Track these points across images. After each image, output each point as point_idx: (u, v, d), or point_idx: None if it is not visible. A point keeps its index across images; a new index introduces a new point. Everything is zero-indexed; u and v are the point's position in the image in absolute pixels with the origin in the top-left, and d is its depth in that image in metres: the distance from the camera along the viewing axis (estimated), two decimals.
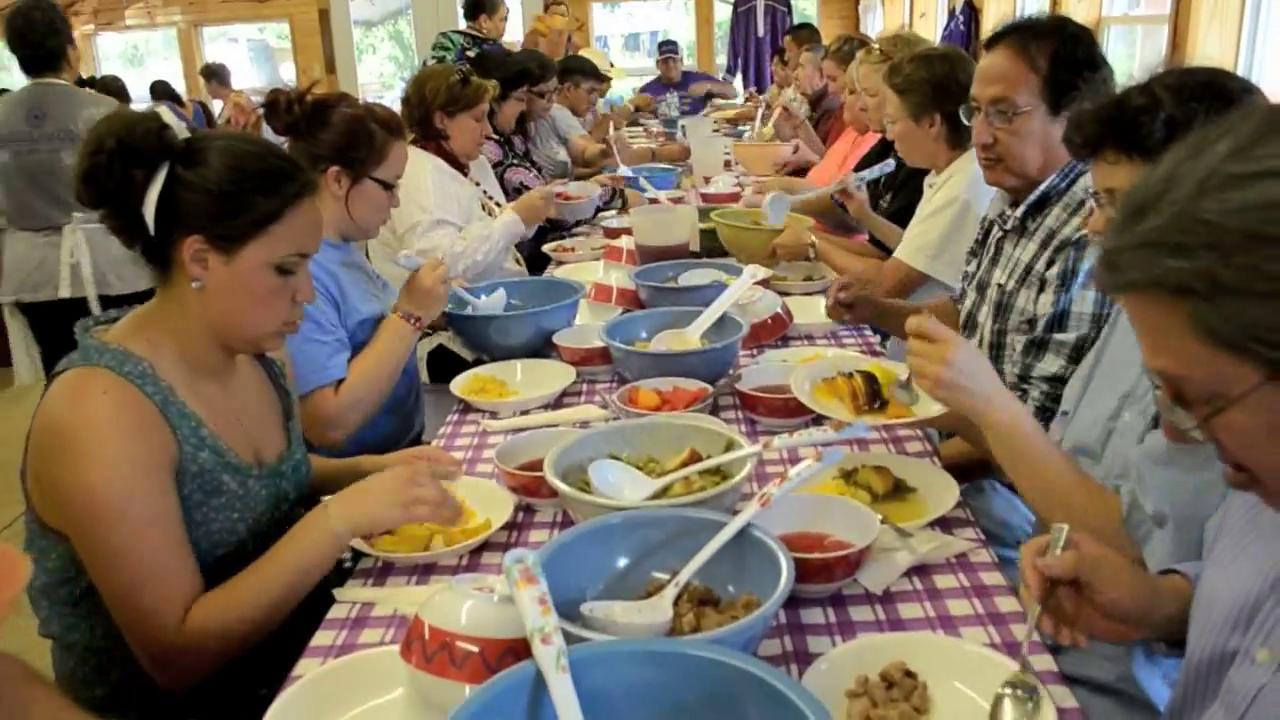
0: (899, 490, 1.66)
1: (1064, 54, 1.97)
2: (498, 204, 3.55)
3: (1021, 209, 2.06)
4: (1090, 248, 1.87)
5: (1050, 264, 1.95)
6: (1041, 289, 1.96)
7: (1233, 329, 0.79)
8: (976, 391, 1.45)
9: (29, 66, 3.65)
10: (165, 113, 1.53)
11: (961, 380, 1.44)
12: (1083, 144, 1.45)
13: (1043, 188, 2.03)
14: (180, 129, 1.52)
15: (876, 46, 3.39)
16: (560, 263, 3.48)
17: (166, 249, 1.49)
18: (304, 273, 1.57)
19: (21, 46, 3.61)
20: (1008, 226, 2.12)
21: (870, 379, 1.76)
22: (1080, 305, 1.89)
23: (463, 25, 6.01)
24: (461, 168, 3.29)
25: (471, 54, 5.85)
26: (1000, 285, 2.09)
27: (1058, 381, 1.85)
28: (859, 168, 3.51)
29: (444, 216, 3.03)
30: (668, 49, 8.31)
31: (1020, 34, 2.01)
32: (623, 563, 1.35)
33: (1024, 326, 2.00)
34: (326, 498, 1.49)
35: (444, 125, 3.20)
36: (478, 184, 3.50)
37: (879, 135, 3.52)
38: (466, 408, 2.20)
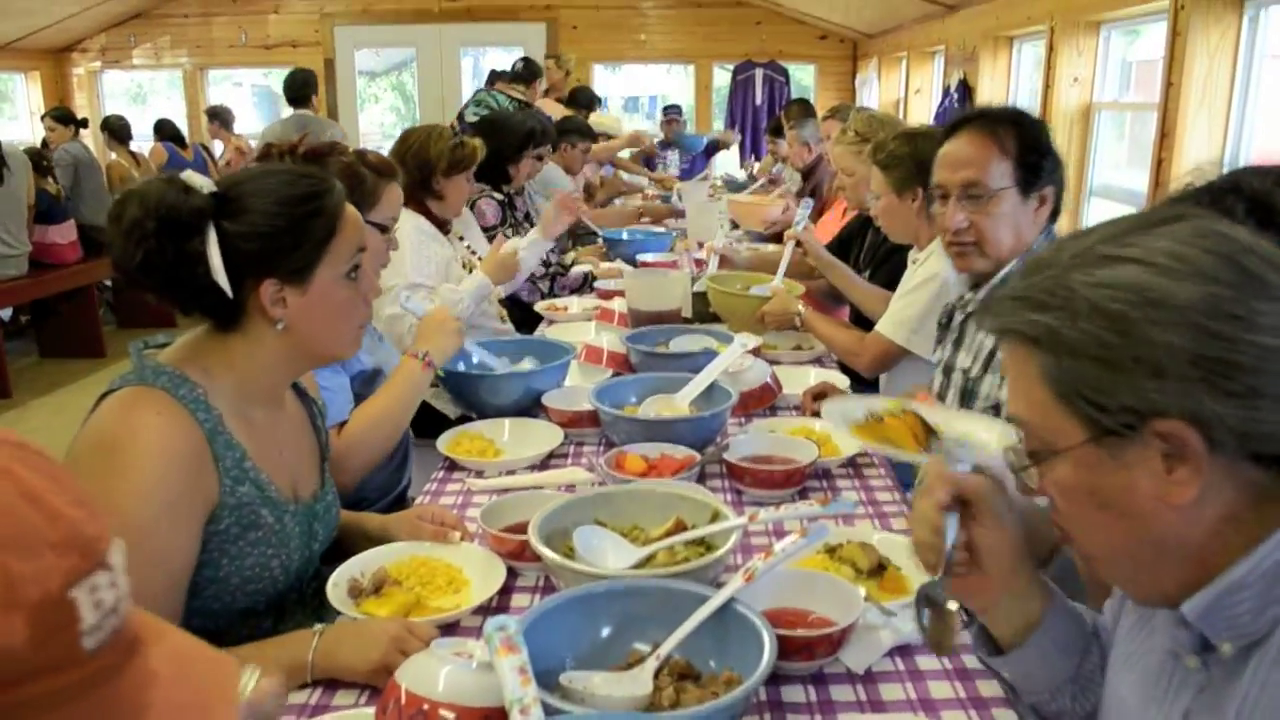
0: (883, 567, 1.65)
1: (1029, 138, 2.02)
2: (480, 259, 3.57)
3: (984, 291, 2.09)
4: None
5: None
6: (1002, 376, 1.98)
7: (1067, 383, 0.90)
8: None
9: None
10: (191, 176, 1.48)
11: None
12: None
13: (1005, 271, 2.06)
14: (194, 179, 1.47)
15: (852, 129, 3.43)
16: (552, 321, 3.49)
17: (239, 302, 1.48)
18: (365, 270, 1.60)
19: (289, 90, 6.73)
20: (970, 310, 2.14)
21: (924, 425, 1.64)
22: None
23: (506, 89, 6.16)
24: (443, 225, 3.30)
25: None
26: (965, 371, 2.11)
27: None
28: (840, 241, 3.57)
29: (419, 280, 3.02)
30: (673, 111, 8.50)
31: (985, 120, 2.06)
32: (605, 632, 1.34)
33: (990, 413, 2.01)
34: (319, 626, 1.43)
35: (441, 186, 3.22)
36: (461, 238, 3.53)
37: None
38: (452, 465, 2.19)
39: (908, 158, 2.75)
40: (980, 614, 1.20)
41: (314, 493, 1.68)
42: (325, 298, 1.52)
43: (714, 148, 8.36)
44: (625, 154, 7.50)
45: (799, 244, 3.29)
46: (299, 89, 6.86)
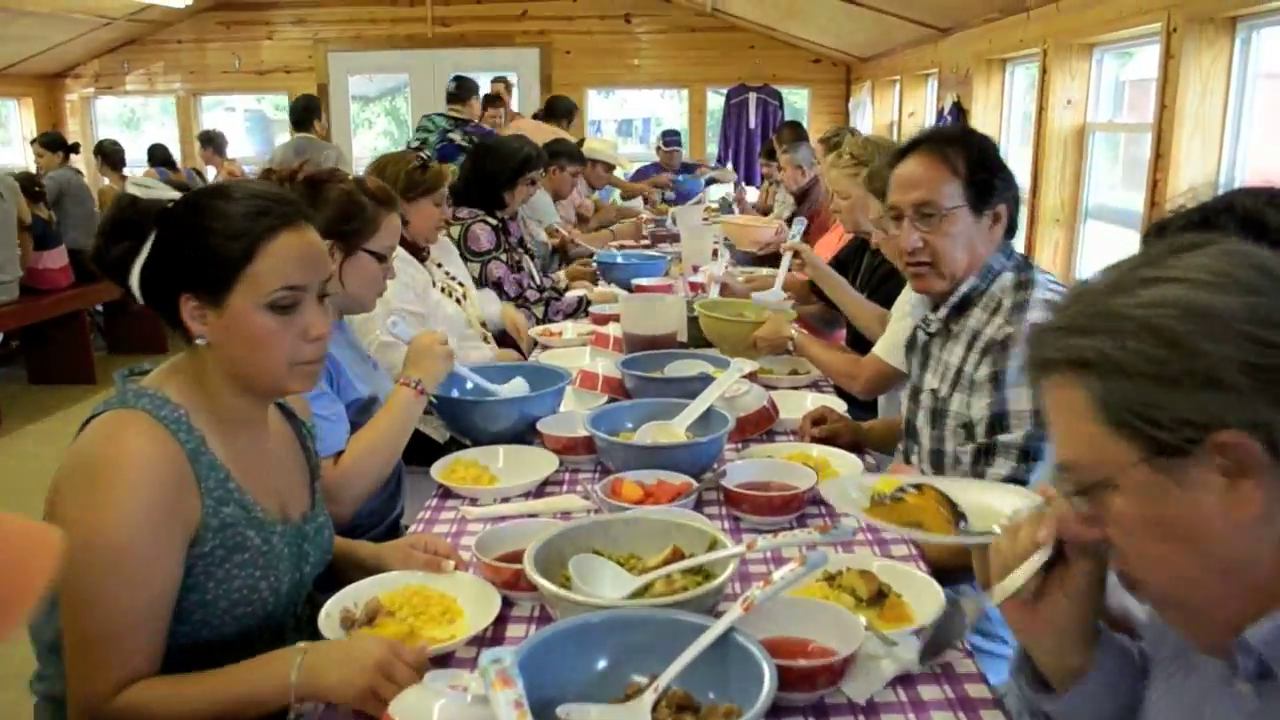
0: (883, 595, 1.64)
1: (977, 157, 2.04)
2: (459, 283, 3.56)
3: (944, 310, 2.10)
4: (1010, 349, 1.93)
5: (978, 366, 1.98)
6: (973, 391, 1.98)
7: (1119, 406, 0.90)
8: None
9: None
10: (153, 187, 1.54)
11: None
12: None
13: (964, 289, 2.07)
14: (156, 191, 1.54)
15: (847, 151, 3.43)
16: (546, 347, 3.48)
17: (174, 314, 1.51)
18: (309, 306, 1.53)
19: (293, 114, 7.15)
20: (931, 330, 2.15)
21: (945, 498, 1.48)
22: (1018, 403, 1.91)
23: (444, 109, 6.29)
24: (417, 252, 3.29)
25: (454, 135, 6.05)
26: (934, 391, 2.11)
27: (1016, 484, 1.84)
28: (836, 263, 3.58)
29: (401, 306, 3.01)
30: (672, 139, 8.42)
31: (933, 142, 2.08)
32: (602, 664, 1.33)
33: (960, 432, 2.01)
34: (303, 644, 1.41)
35: (404, 211, 3.20)
36: (440, 264, 3.52)
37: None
38: (446, 493, 2.17)
39: None
40: (1026, 645, 1.18)
41: (304, 513, 1.68)
42: (241, 324, 1.48)
43: (710, 184, 8.36)
44: (620, 172, 7.52)
45: (796, 255, 3.28)
46: (301, 113, 7.18)
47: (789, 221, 5.07)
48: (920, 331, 2.22)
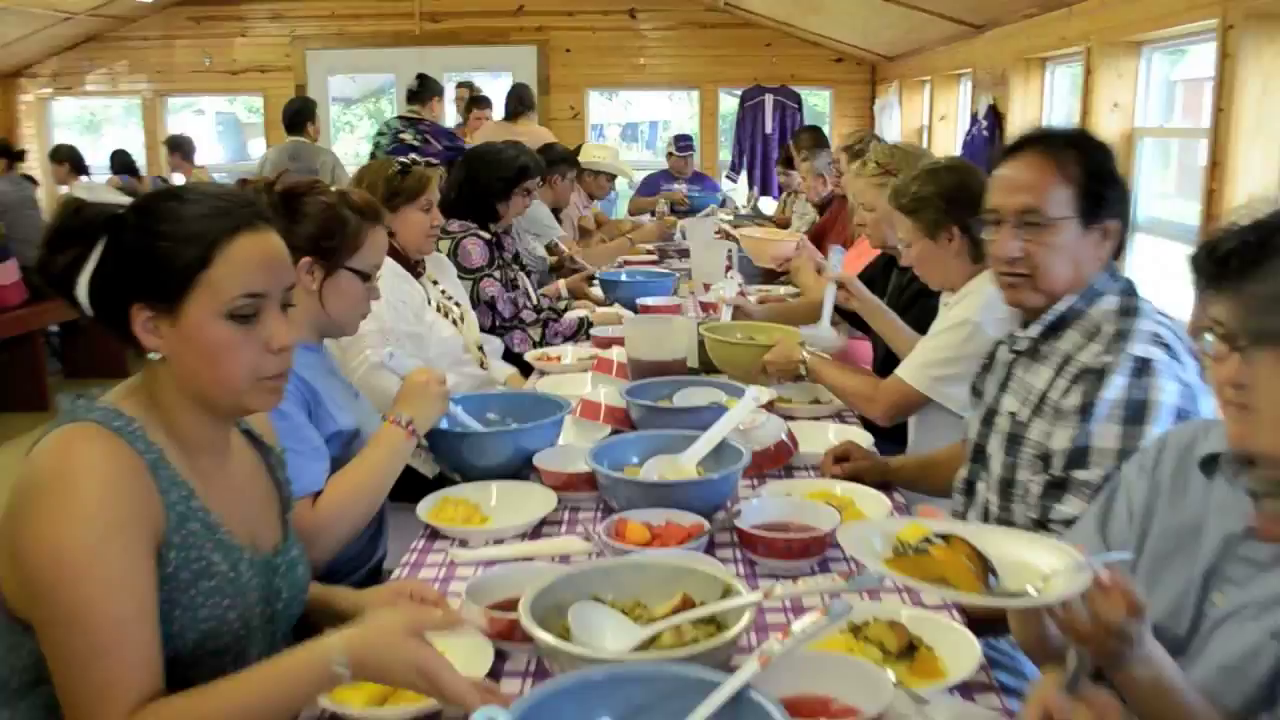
0: (914, 648, 1.63)
1: (1094, 164, 2.01)
2: (456, 303, 3.57)
3: (1037, 329, 2.08)
4: (1107, 378, 1.89)
5: (1066, 393, 1.96)
6: (1057, 420, 1.96)
7: None
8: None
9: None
10: (101, 191, 1.57)
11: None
12: (1221, 271, 1.38)
13: (1061, 308, 2.05)
14: (103, 195, 1.57)
15: (872, 160, 3.44)
16: (544, 373, 3.48)
17: (125, 326, 1.52)
18: (271, 316, 1.55)
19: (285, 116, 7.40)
20: (1020, 349, 2.13)
21: (975, 552, 1.45)
22: (1103, 440, 1.88)
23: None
24: (412, 267, 3.30)
25: (405, 135, 6.14)
26: (1012, 414, 2.10)
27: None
28: (866, 278, 3.58)
29: (396, 325, 3.02)
30: (685, 145, 8.42)
31: (1047, 142, 2.05)
32: None
33: (1038, 463, 2.00)
34: (331, 633, 1.43)
35: (388, 221, 3.21)
36: (435, 282, 3.53)
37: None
38: (433, 534, 2.18)
39: (934, 196, 2.76)
40: None
41: (275, 546, 1.68)
42: (198, 335, 1.50)
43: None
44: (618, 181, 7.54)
45: (841, 285, 3.27)
46: (294, 115, 7.39)
47: (815, 239, 5.09)
48: (1004, 349, 2.20)
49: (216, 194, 1.55)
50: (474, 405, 2.57)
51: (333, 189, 2.34)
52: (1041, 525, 1.93)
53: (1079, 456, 1.91)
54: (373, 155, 6.43)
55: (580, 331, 4.06)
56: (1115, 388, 1.88)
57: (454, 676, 1.37)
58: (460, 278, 3.91)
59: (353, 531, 2.14)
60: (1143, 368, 1.88)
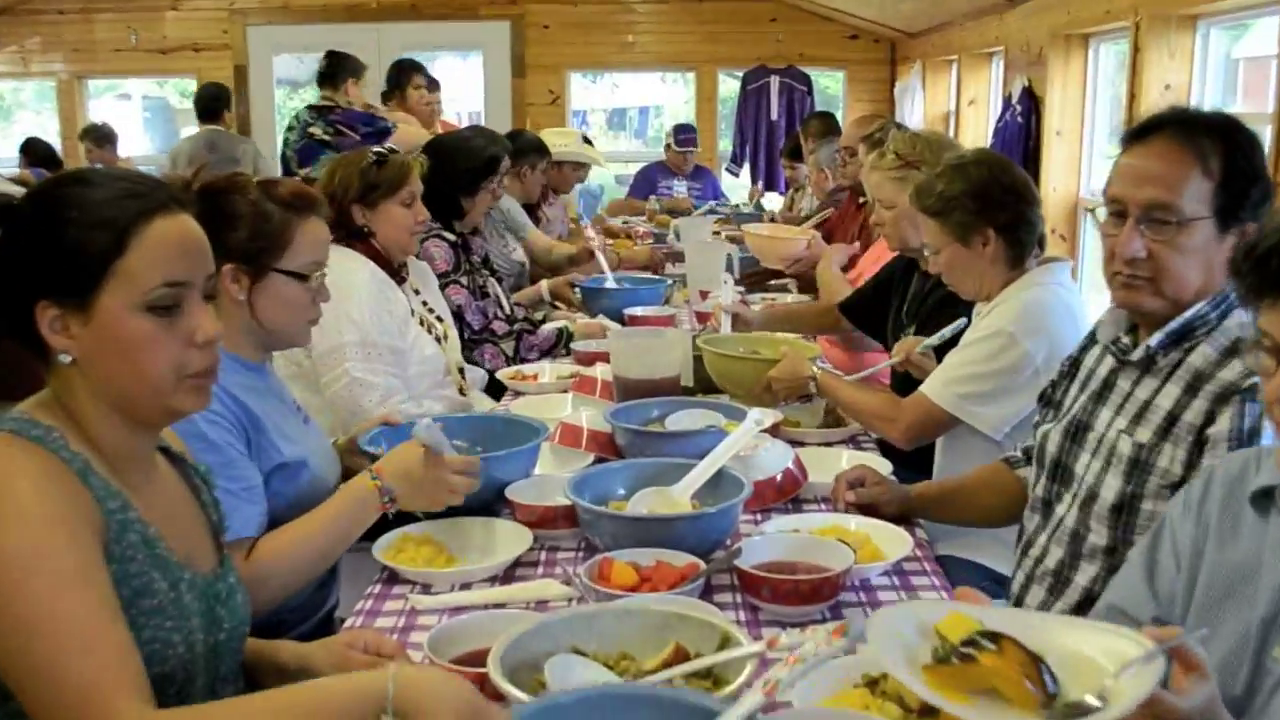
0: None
1: (1240, 159, 1.97)
2: (439, 318, 3.58)
3: (1158, 337, 2.03)
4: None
5: (1210, 418, 1.92)
6: (1199, 449, 1.93)
7: None
8: None
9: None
10: None
11: None
12: (1264, 274, 1.39)
13: (1188, 315, 2.01)
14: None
15: (891, 150, 3.44)
16: (518, 393, 3.49)
17: (29, 327, 1.52)
18: (194, 307, 1.57)
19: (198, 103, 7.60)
20: (1132, 357, 2.08)
21: (1031, 657, 1.37)
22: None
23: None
24: (396, 272, 3.30)
25: (314, 129, 6.02)
26: (1125, 433, 2.06)
27: None
28: (876, 286, 3.59)
29: (378, 338, 3.01)
30: (687, 138, 8.40)
31: (1186, 127, 2.00)
32: None
33: (1165, 493, 1.97)
34: (392, 665, 1.46)
35: (366, 220, 3.22)
36: (417, 291, 3.53)
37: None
38: (391, 576, 2.18)
39: (964, 195, 2.76)
40: None
41: (213, 569, 1.70)
42: (114, 330, 1.52)
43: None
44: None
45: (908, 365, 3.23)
46: (209, 102, 7.36)
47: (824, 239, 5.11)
48: (1110, 355, 2.17)
49: (122, 176, 1.58)
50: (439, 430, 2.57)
51: (255, 180, 2.34)
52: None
53: None
54: (284, 156, 6.30)
55: (559, 345, 4.07)
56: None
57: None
58: None
59: (298, 584, 2.14)
60: None
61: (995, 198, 2.73)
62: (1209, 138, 1.97)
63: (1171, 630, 1.29)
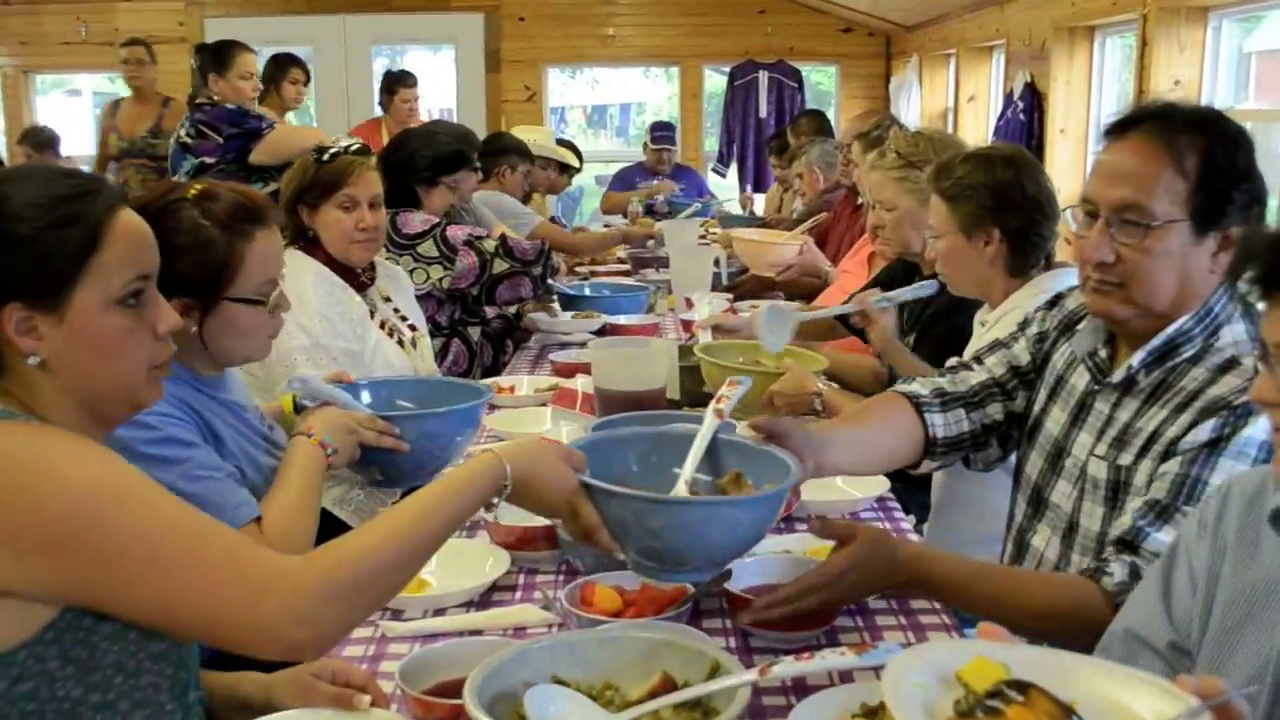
0: None
1: (1220, 157, 1.94)
2: (412, 326, 3.56)
3: (1140, 356, 2.02)
4: (1253, 417, 1.82)
5: (1188, 430, 1.91)
6: (1170, 458, 1.92)
7: None
8: None
9: None
10: None
11: None
12: (1262, 278, 1.39)
13: (1169, 331, 1.99)
14: None
15: (892, 149, 3.44)
16: (494, 407, 3.48)
17: None
18: (154, 298, 1.63)
19: None
20: (1112, 379, 2.08)
21: (1061, 709, 1.29)
22: (1219, 475, 1.83)
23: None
24: (354, 277, 3.26)
25: (182, 130, 5.63)
26: (1105, 460, 2.05)
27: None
28: (883, 284, 3.59)
29: (329, 342, 3.00)
30: (663, 135, 8.43)
31: (1164, 122, 1.97)
32: None
33: (1145, 509, 1.94)
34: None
35: (310, 221, 3.18)
36: (388, 299, 3.51)
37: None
38: None
39: (983, 188, 2.75)
40: None
41: None
42: (90, 328, 1.54)
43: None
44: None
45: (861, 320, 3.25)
46: None
47: (818, 243, 5.11)
48: (1088, 371, 2.15)
49: (66, 173, 1.61)
50: (382, 392, 2.61)
51: (192, 191, 2.22)
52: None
53: (1189, 487, 1.86)
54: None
55: (539, 261, 4.11)
56: (1260, 428, 1.82)
57: (591, 510, 1.74)
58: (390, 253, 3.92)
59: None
60: None
61: (1014, 201, 2.73)
62: (1187, 134, 1.94)
63: (1216, 684, 1.27)
